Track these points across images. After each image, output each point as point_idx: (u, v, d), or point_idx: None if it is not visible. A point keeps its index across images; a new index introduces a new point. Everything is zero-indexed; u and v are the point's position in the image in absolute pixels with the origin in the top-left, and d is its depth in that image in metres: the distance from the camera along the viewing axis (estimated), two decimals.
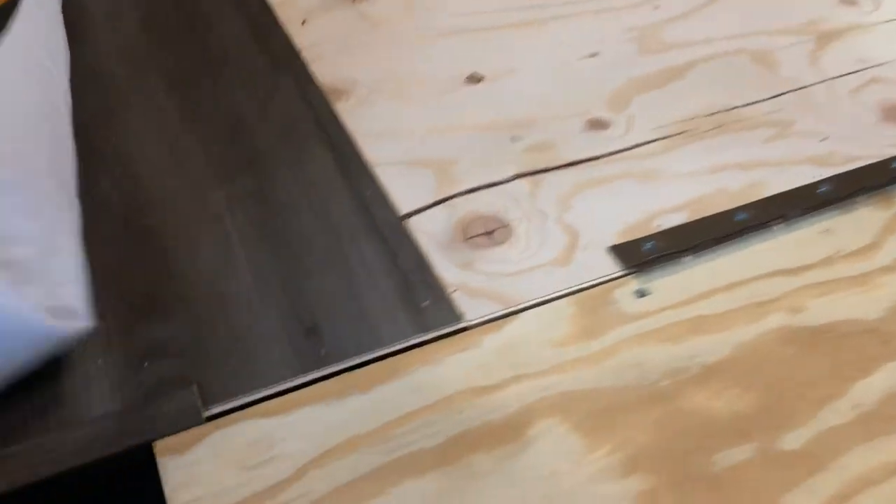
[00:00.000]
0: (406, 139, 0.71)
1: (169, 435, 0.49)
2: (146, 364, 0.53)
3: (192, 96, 0.74)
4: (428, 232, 0.63)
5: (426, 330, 0.55)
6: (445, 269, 0.60)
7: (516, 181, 0.68)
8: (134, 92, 0.74)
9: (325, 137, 0.69)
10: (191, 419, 0.49)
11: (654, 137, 0.72)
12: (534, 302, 0.58)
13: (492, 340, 0.55)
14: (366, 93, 0.75)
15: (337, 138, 0.69)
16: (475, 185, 0.67)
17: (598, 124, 0.73)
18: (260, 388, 0.51)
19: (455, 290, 0.58)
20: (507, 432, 0.50)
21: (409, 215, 0.64)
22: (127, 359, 0.53)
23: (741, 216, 0.65)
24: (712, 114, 0.75)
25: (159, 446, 0.48)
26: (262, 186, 0.65)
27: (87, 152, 0.67)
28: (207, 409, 0.50)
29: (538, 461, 0.49)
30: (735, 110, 0.75)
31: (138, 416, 0.50)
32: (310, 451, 0.48)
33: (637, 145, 0.71)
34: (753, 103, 0.76)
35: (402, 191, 0.66)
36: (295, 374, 0.52)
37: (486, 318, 0.57)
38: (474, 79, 0.77)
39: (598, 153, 0.70)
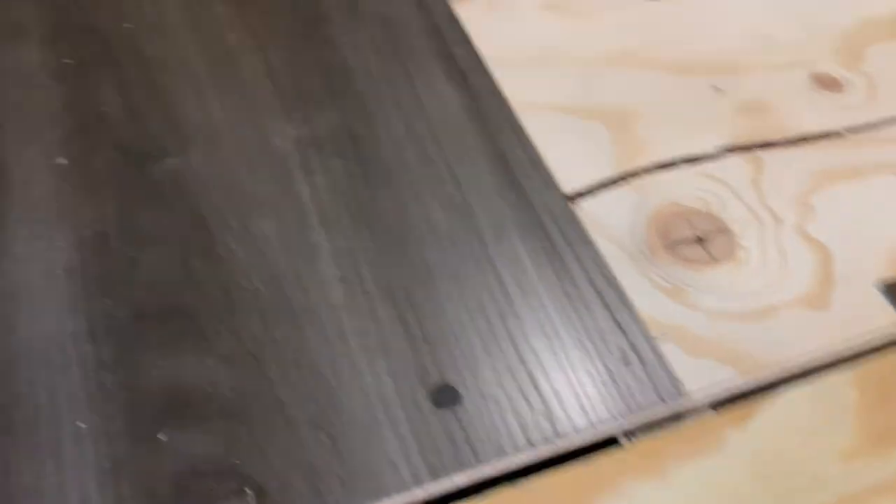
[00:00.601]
0: (565, 71, 0.45)
1: None
2: (162, 436, 0.29)
3: None
4: (607, 226, 0.39)
5: (628, 410, 0.32)
6: (641, 294, 0.36)
7: (729, 157, 0.43)
8: None
9: (445, 57, 0.44)
10: None
11: None
12: (790, 372, 0.35)
13: (738, 442, 0.32)
14: None
15: (463, 61, 0.44)
16: (670, 155, 0.42)
17: (827, 82, 0.49)
18: (358, 499, 0.29)
19: (663, 337, 0.35)
20: None
21: (578, 196, 0.40)
22: (130, 424, 0.30)
23: None
24: None
25: None
26: (352, 126, 0.40)
27: (93, 50, 0.41)
28: None
29: None
30: None
31: None
32: None
33: (890, 120, 0.47)
34: None
35: (564, 154, 0.41)
36: (419, 480, 0.29)
37: (720, 392, 0.34)
38: None
39: (837, 126, 0.46)
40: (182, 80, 0.40)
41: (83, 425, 0.28)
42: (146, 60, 0.41)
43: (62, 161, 0.36)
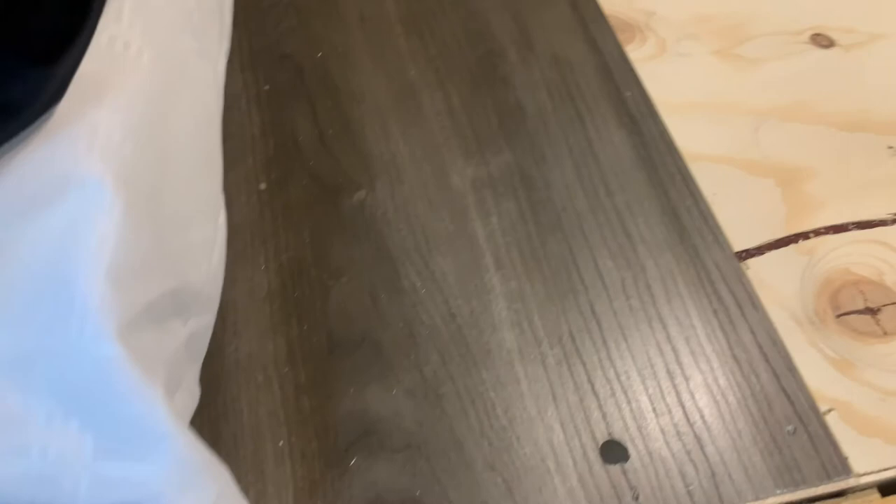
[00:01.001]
0: (736, 121, 0.45)
1: None
2: (351, 461, 0.31)
3: (425, 12, 0.48)
4: (775, 289, 0.38)
5: (793, 482, 0.32)
6: (807, 363, 0.36)
7: None
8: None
9: (616, 101, 0.44)
10: None
11: None
12: None
13: None
14: (669, 37, 0.49)
15: (634, 105, 0.44)
16: (842, 219, 0.41)
17: None
18: None
19: (830, 411, 0.35)
20: None
21: (747, 254, 0.40)
22: (324, 447, 0.31)
23: None
24: None
25: None
26: (525, 168, 0.41)
27: (288, 77, 0.43)
28: None
29: None
30: None
31: None
32: None
33: None
34: None
35: (733, 209, 0.41)
36: None
37: (889, 475, 0.33)
38: (822, 40, 0.50)
39: None
40: (368, 112, 0.42)
41: (282, 443, 0.31)
42: (336, 90, 0.43)
43: (263, 186, 0.38)
